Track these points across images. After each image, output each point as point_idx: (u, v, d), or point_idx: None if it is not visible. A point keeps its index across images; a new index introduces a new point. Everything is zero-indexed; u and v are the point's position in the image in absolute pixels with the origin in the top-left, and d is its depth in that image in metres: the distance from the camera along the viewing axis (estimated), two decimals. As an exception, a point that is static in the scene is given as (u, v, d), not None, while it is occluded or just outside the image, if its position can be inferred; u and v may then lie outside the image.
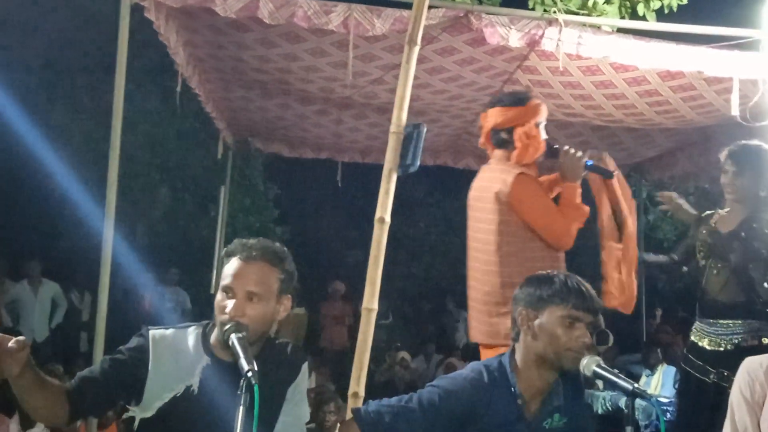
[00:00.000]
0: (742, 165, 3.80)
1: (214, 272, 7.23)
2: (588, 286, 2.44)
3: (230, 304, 2.19)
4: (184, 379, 2.20)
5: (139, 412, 2.21)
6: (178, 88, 4.79)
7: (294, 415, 2.30)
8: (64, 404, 2.14)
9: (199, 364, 2.23)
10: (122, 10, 4.03)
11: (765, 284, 3.70)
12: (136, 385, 2.20)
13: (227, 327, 2.15)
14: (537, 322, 2.42)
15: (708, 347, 3.77)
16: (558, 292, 2.40)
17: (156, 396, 2.19)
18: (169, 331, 2.28)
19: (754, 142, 3.88)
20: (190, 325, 2.32)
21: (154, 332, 2.26)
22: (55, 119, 9.94)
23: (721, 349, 3.72)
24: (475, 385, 2.43)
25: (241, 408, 1.94)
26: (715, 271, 3.82)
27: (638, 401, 2.24)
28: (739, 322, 3.70)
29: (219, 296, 2.23)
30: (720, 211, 3.98)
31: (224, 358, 2.23)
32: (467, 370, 2.54)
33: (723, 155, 3.89)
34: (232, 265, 2.23)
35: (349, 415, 3.40)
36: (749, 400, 2.50)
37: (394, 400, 2.48)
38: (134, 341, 2.27)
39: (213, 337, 2.27)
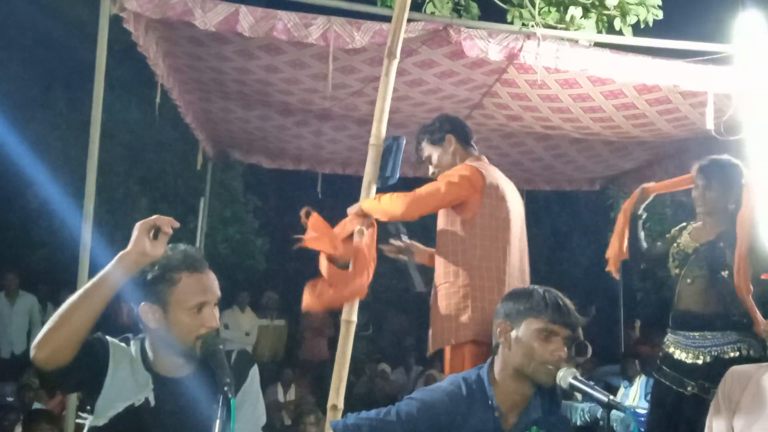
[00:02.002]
0: (710, 179, 3.85)
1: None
2: (567, 300, 2.46)
3: (209, 316, 2.17)
4: (139, 390, 2.16)
5: (91, 420, 2.16)
6: (158, 99, 4.78)
7: (245, 421, 2.25)
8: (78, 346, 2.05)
9: (147, 379, 2.19)
10: (101, 20, 4.01)
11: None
12: (98, 375, 2.14)
13: (208, 339, 2.14)
14: (513, 334, 2.44)
15: (686, 360, 3.78)
16: (535, 306, 2.42)
17: (110, 404, 2.14)
18: (122, 343, 2.24)
19: (724, 156, 3.93)
20: (129, 339, 2.27)
21: (111, 339, 2.22)
22: (33, 129, 9.85)
23: (700, 361, 3.73)
24: (453, 397, 2.44)
25: (218, 422, 1.94)
26: (689, 280, 3.84)
27: (616, 413, 2.26)
28: (718, 334, 3.71)
29: (188, 318, 2.14)
30: (693, 224, 4.03)
31: (165, 374, 2.20)
32: (446, 382, 2.55)
33: (693, 169, 3.95)
34: (193, 281, 2.16)
35: (327, 427, 3.40)
36: (724, 406, 2.58)
37: (372, 413, 2.48)
38: (94, 341, 2.18)
39: (154, 353, 2.21)
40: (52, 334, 2.01)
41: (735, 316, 3.70)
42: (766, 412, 2.51)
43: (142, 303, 2.16)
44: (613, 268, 4.35)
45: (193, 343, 2.14)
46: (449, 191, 3.50)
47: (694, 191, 3.93)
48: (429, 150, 3.79)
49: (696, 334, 3.77)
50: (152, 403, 2.15)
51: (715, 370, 3.46)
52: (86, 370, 2.12)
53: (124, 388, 2.15)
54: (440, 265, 3.59)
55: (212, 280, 2.21)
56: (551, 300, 2.43)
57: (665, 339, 3.96)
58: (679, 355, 3.82)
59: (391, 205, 3.50)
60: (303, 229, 3.63)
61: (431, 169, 3.79)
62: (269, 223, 12.87)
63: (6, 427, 5.58)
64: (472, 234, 3.53)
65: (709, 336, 3.73)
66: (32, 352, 2.02)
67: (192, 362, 2.21)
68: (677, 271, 3.93)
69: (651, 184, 4.29)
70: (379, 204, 3.54)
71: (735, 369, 2.72)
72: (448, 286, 3.52)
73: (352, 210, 3.64)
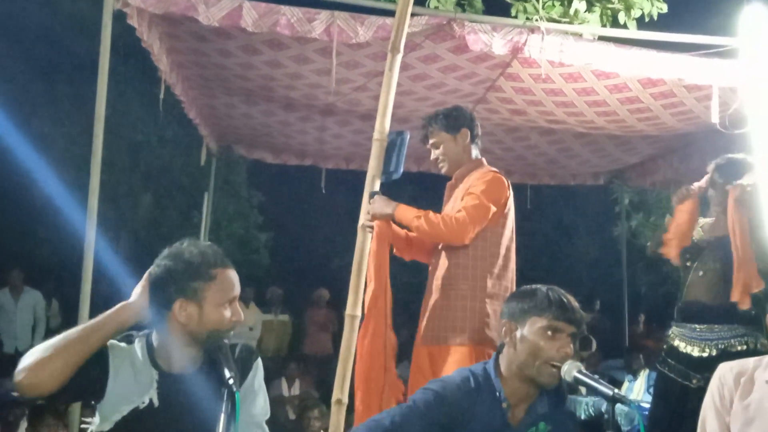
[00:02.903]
0: (727, 178, 3.83)
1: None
2: (571, 297, 2.46)
3: (237, 310, 2.20)
4: (143, 393, 2.15)
5: (96, 425, 2.14)
6: (161, 95, 4.78)
7: (249, 414, 2.23)
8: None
9: (152, 377, 2.17)
10: (104, 16, 4.02)
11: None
12: (97, 386, 2.14)
13: (223, 335, 2.16)
14: (518, 333, 2.43)
15: (692, 353, 3.78)
16: (539, 304, 2.42)
17: (114, 408, 2.13)
18: (122, 343, 2.21)
19: (740, 155, 3.91)
20: (133, 337, 2.25)
21: (110, 342, 2.19)
22: (37, 126, 9.87)
23: (706, 354, 3.73)
24: (463, 389, 2.44)
25: (223, 416, 1.94)
26: (701, 273, 3.83)
27: (620, 406, 2.25)
28: (725, 327, 3.71)
29: (221, 312, 2.15)
30: (704, 219, 4.02)
31: (171, 371, 2.19)
32: (456, 375, 2.54)
33: (710, 168, 3.93)
34: (227, 276, 2.19)
35: (332, 421, 3.40)
36: (718, 405, 2.57)
37: (391, 409, 2.47)
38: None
39: (164, 349, 2.20)
40: (41, 365, 2.01)
41: (743, 309, 3.70)
42: (763, 410, 2.49)
43: (178, 299, 2.15)
44: (673, 251, 3.96)
45: (223, 336, 2.16)
46: (490, 203, 3.44)
47: (711, 189, 3.91)
48: (441, 137, 3.67)
49: (702, 326, 3.77)
50: (156, 403, 2.14)
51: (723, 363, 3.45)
52: (87, 382, 2.12)
53: (128, 391, 2.15)
54: (456, 266, 3.52)
55: (236, 275, 2.24)
56: (554, 297, 2.42)
57: (670, 332, 3.96)
58: (685, 348, 3.81)
59: (455, 231, 3.38)
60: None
61: (436, 155, 3.70)
62: (273, 218, 12.89)
63: (11, 423, 5.60)
64: (493, 242, 3.51)
65: (716, 328, 3.73)
66: (17, 377, 2.01)
67: (199, 356, 2.21)
68: (688, 263, 3.92)
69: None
70: (431, 226, 3.41)
71: (726, 366, 2.67)
72: (465, 289, 3.47)
73: (377, 212, 3.50)
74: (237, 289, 2.21)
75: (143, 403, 2.13)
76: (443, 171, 3.72)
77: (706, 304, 3.80)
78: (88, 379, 2.12)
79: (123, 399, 2.13)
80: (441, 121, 3.67)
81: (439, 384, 2.50)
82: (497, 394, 2.43)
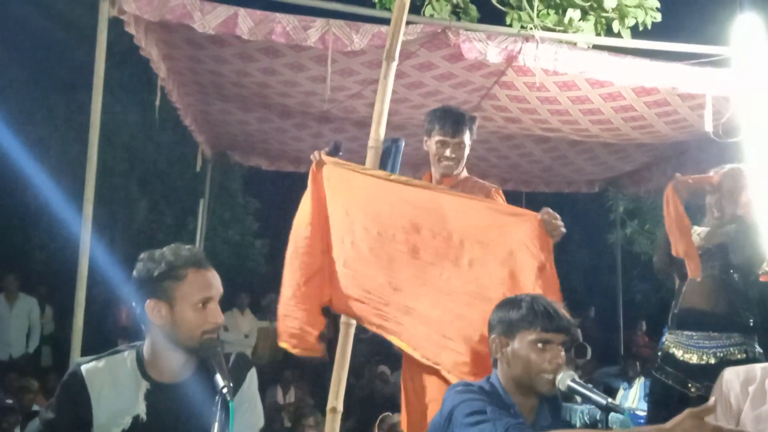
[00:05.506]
0: (735, 187, 3.82)
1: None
2: (555, 305, 2.44)
3: (214, 312, 2.17)
4: (129, 410, 2.14)
5: None
6: (157, 102, 4.78)
7: (244, 424, 2.23)
8: None
9: (140, 390, 2.17)
10: (100, 23, 4.01)
11: (749, 293, 3.73)
12: (84, 427, 2.13)
13: (211, 342, 2.15)
14: (509, 348, 2.42)
15: (690, 361, 3.77)
16: (525, 317, 2.40)
17: (106, 430, 2.12)
18: (102, 363, 2.21)
19: (741, 165, 3.89)
20: (121, 351, 2.24)
21: (86, 367, 2.19)
22: (33, 132, 9.86)
23: (704, 362, 3.72)
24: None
25: (216, 425, 1.94)
26: (698, 279, 3.83)
27: (615, 415, 2.25)
28: (723, 335, 3.70)
29: (194, 313, 2.14)
30: (696, 227, 4.00)
31: (163, 380, 2.19)
32: (474, 388, 2.43)
33: (716, 176, 3.90)
34: (200, 276, 2.17)
35: (326, 429, 3.40)
36: (722, 412, 2.54)
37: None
38: (69, 383, 2.18)
39: (154, 357, 2.20)
40: None
41: (741, 317, 3.70)
42: None
43: (149, 299, 2.15)
44: (693, 265, 3.71)
45: (199, 339, 2.14)
46: None
47: (712, 196, 3.89)
48: (468, 140, 3.61)
49: (699, 334, 3.76)
50: (144, 418, 2.14)
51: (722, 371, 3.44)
52: (70, 421, 2.13)
53: (114, 412, 2.14)
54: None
55: (216, 277, 2.22)
56: (540, 309, 2.40)
57: (664, 339, 3.95)
58: (683, 355, 3.80)
59: None
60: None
61: (456, 154, 3.56)
62: (269, 225, 12.87)
63: (5, 429, 5.58)
64: None
65: (714, 336, 3.71)
66: None
67: (191, 364, 2.20)
68: (684, 270, 3.92)
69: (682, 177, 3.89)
70: None
71: (732, 371, 2.63)
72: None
73: None
74: (213, 290, 2.18)
75: (128, 423, 2.12)
76: (451, 172, 3.60)
77: (703, 311, 3.78)
78: (74, 415, 2.12)
79: (112, 421, 2.13)
80: (472, 126, 3.64)
81: (477, 403, 2.34)
82: (511, 410, 2.38)
